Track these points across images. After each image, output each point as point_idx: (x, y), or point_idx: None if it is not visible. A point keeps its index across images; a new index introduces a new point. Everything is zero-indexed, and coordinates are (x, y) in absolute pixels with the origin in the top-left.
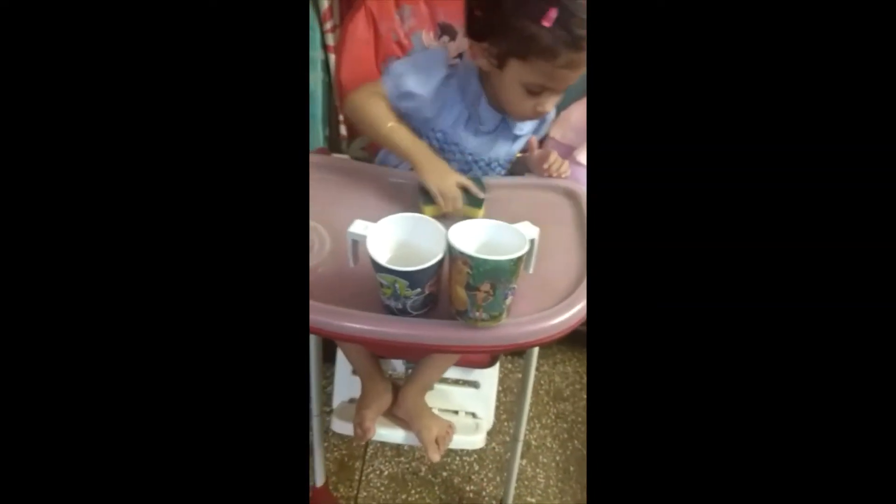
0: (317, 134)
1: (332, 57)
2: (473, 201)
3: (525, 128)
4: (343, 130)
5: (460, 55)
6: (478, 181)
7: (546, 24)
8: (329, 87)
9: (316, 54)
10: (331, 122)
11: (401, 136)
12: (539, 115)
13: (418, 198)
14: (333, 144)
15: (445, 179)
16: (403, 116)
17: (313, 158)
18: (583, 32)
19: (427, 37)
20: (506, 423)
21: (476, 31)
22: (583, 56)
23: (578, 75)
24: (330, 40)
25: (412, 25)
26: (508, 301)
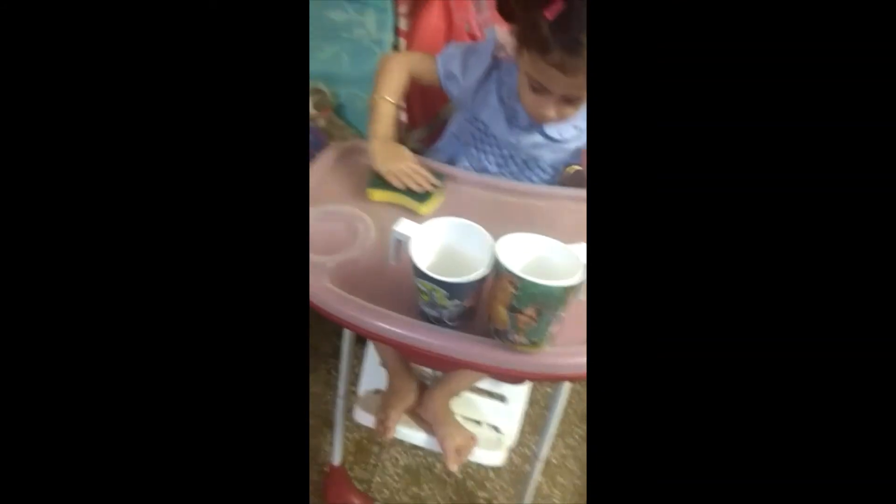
0: None
1: (403, 42)
2: (416, 195)
3: (565, 133)
4: (403, 117)
5: None
6: (438, 175)
7: (548, 15)
8: None
9: (386, 37)
10: None
11: (381, 112)
12: (542, 118)
13: (367, 181)
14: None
15: (398, 163)
16: (453, 101)
17: (363, 146)
18: (581, 37)
19: (501, 31)
20: (528, 436)
21: (504, 10)
22: (577, 62)
23: (574, 82)
24: (402, 24)
25: (486, 18)
26: (553, 329)
